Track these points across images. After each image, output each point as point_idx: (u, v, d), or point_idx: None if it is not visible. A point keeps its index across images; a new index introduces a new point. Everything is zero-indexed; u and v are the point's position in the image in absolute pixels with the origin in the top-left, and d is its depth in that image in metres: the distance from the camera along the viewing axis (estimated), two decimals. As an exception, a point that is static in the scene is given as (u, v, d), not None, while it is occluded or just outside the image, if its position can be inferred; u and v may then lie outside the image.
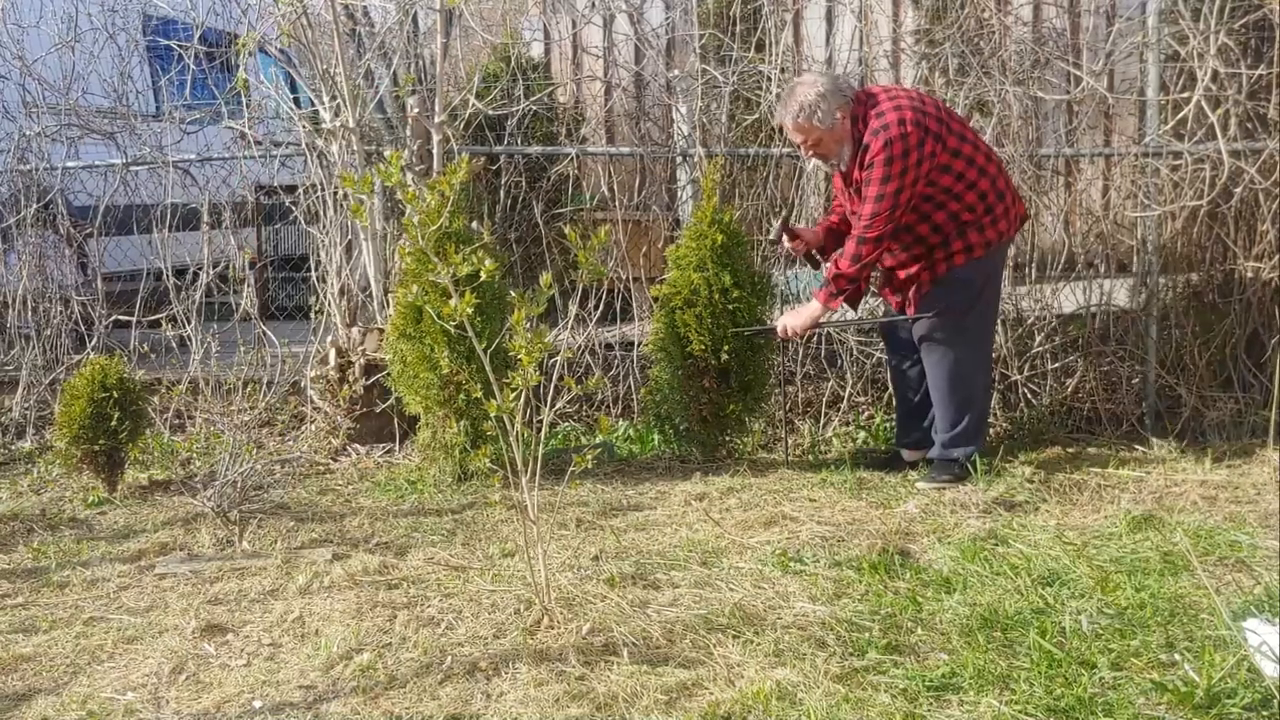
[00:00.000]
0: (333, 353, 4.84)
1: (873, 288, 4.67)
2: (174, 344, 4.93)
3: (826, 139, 4.02)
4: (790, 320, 4.27)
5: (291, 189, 5.23)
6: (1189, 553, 3.23)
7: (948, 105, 4.35)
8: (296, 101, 5.55)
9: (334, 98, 4.73)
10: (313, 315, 5.06)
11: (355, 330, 4.88)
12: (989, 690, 2.46)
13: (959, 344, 4.14)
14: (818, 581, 3.15)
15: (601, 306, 4.91)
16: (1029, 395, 4.89)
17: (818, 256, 4.39)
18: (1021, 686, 2.46)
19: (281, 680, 2.62)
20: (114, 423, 4.15)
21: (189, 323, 4.84)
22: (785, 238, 4.33)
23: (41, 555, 3.60)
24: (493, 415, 2.81)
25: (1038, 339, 4.94)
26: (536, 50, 6.57)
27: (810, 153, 4.15)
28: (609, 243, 4.47)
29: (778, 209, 5.12)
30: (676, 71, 5.42)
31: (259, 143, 5.35)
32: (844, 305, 4.29)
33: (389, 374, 4.43)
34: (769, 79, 5.02)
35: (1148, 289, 4.93)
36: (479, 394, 3.31)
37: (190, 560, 3.47)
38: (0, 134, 5.63)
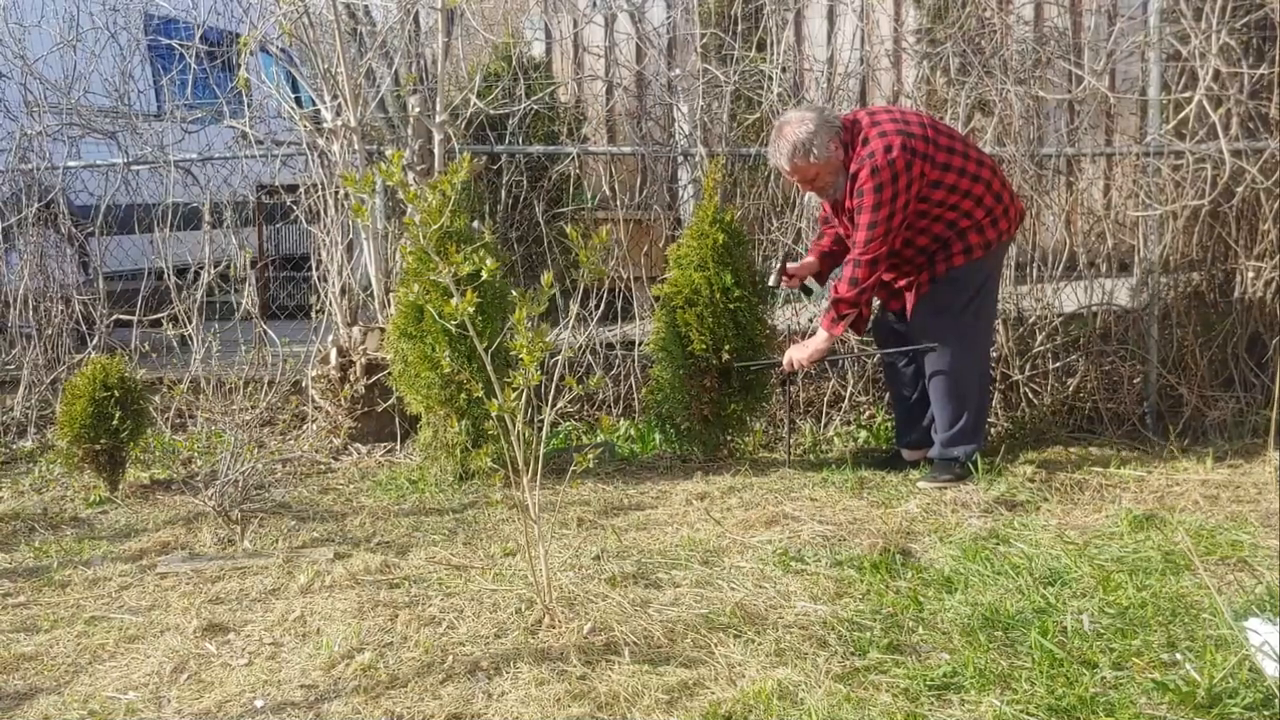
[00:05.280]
0: (334, 352, 4.84)
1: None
2: (175, 343, 4.93)
3: (823, 173, 4.02)
4: (797, 353, 4.25)
5: (293, 188, 5.23)
6: (1190, 552, 3.23)
7: (933, 116, 4.35)
8: (298, 101, 5.55)
9: (335, 97, 4.73)
10: (314, 314, 5.06)
11: (356, 329, 4.88)
12: (990, 689, 2.45)
13: (956, 343, 4.14)
14: (819, 581, 3.14)
15: (603, 306, 4.90)
16: (1030, 395, 4.88)
17: (810, 285, 4.41)
18: (1023, 686, 2.47)
19: (283, 679, 2.62)
20: (115, 422, 4.15)
21: (190, 322, 4.84)
22: (783, 279, 4.36)
23: (43, 554, 3.60)
24: (494, 414, 2.81)
25: (1039, 338, 4.93)
26: (538, 49, 6.57)
27: (807, 189, 4.15)
28: (610, 242, 4.47)
29: (779, 208, 5.12)
30: (678, 71, 5.42)
31: (260, 142, 5.35)
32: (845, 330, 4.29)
33: (390, 373, 4.43)
34: (770, 78, 5.02)
35: (1149, 288, 4.93)
36: (480, 393, 3.31)
37: (192, 559, 3.47)
38: (2, 133, 5.64)
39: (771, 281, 4.36)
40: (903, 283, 4.24)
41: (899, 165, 3.89)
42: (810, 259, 4.38)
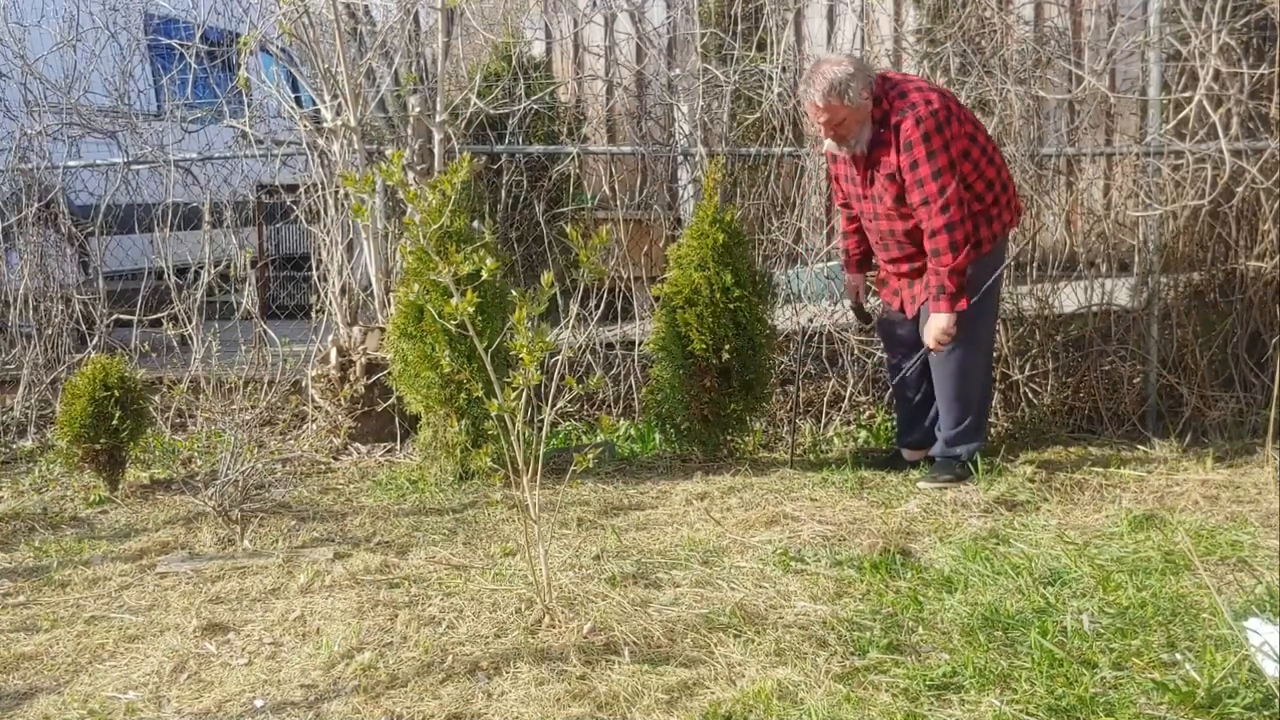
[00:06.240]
0: (334, 352, 4.84)
1: (873, 292, 4.69)
2: (175, 343, 4.93)
3: (851, 119, 3.99)
4: (938, 336, 4.05)
5: (293, 188, 5.23)
6: (1190, 552, 3.23)
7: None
8: (298, 100, 5.55)
9: (335, 96, 4.73)
10: (314, 314, 5.06)
11: (356, 329, 4.88)
12: (990, 689, 2.46)
13: (963, 341, 4.14)
14: (819, 581, 3.15)
15: (603, 306, 4.90)
16: (1030, 395, 4.88)
17: (862, 302, 4.53)
18: (1023, 686, 2.47)
19: (283, 679, 2.62)
20: (115, 422, 4.15)
21: (190, 322, 4.84)
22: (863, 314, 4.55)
23: (43, 554, 3.60)
24: (494, 414, 2.81)
25: (1039, 338, 4.93)
26: (538, 49, 6.57)
27: (831, 133, 4.09)
28: (610, 242, 4.46)
29: (779, 208, 5.12)
30: (678, 70, 5.42)
31: (260, 142, 5.35)
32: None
33: (390, 373, 4.43)
34: (770, 78, 5.02)
35: (1149, 288, 4.93)
36: (480, 393, 3.31)
37: (192, 559, 3.47)
38: (2, 133, 5.64)
39: (866, 323, 4.62)
40: (905, 269, 4.21)
41: (941, 117, 3.90)
42: (856, 276, 4.45)
